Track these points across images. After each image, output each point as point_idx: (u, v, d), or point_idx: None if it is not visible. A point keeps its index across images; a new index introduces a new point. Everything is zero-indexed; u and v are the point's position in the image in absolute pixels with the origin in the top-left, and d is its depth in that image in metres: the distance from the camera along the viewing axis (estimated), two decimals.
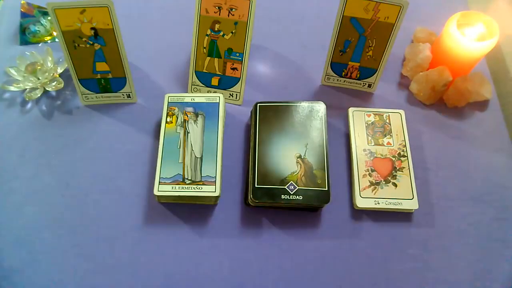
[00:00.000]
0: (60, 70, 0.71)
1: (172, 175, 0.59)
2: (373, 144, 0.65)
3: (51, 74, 0.70)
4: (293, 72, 0.75)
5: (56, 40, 0.76)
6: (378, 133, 0.66)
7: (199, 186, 0.59)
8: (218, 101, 0.65)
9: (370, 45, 0.66)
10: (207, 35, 0.66)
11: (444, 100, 0.72)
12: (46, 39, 0.77)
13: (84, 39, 0.62)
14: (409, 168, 0.63)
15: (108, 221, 0.60)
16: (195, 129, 0.63)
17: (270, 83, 0.74)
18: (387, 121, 0.67)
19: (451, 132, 0.69)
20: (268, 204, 0.59)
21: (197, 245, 0.59)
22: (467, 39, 0.66)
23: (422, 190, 0.63)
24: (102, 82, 0.67)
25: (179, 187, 0.58)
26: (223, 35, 0.66)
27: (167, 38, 0.77)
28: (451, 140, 0.69)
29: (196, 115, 0.64)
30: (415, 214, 0.62)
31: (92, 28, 0.61)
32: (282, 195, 0.58)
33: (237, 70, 0.68)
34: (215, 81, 0.70)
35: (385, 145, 0.65)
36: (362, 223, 0.61)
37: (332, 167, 0.62)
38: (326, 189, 0.58)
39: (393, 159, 0.64)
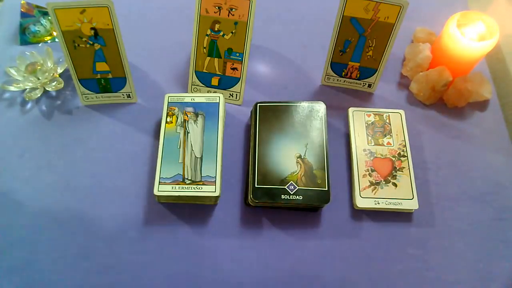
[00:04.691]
0: (60, 70, 0.71)
1: (172, 175, 0.59)
2: (373, 144, 0.65)
3: (51, 74, 0.70)
4: (293, 72, 0.75)
5: (56, 40, 0.76)
6: (378, 133, 0.66)
7: (199, 186, 0.59)
8: (218, 101, 0.65)
9: (370, 45, 0.66)
10: (207, 35, 0.66)
11: (444, 100, 0.72)
12: (46, 39, 0.77)
13: (84, 39, 0.62)
14: (409, 168, 0.63)
15: (108, 221, 0.60)
16: (195, 129, 0.63)
17: (270, 83, 0.74)
18: (387, 121, 0.67)
19: (451, 132, 0.69)
20: (268, 204, 0.59)
21: (197, 245, 0.59)
22: (467, 39, 0.66)
23: (422, 190, 0.63)
24: (102, 82, 0.67)
25: (179, 187, 0.58)
26: (223, 35, 0.66)
27: (167, 38, 0.77)
28: (451, 140, 0.69)
29: (196, 115, 0.64)
30: (415, 214, 0.62)
31: (92, 28, 0.61)
32: (282, 195, 0.58)
33: (237, 70, 0.68)
34: (215, 81, 0.70)
35: (385, 145, 0.65)
36: (362, 223, 0.61)
37: (332, 167, 0.62)
38: (326, 189, 0.58)
39: (393, 159, 0.64)
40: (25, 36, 0.76)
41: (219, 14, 0.64)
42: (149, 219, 0.61)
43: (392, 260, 0.59)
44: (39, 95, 0.69)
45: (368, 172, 0.63)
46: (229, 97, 0.71)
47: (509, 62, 0.77)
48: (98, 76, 0.66)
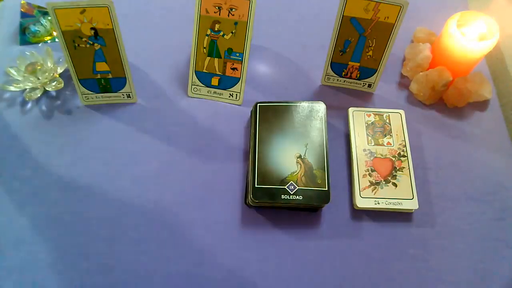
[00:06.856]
0: (60, 70, 0.71)
1: None
2: (373, 144, 0.65)
3: (51, 74, 0.70)
4: (293, 72, 0.75)
5: (56, 40, 0.76)
6: (378, 133, 0.66)
7: None
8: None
9: (370, 45, 0.66)
10: (207, 35, 0.66)
11: (444, 100, 0.72)
12: (46, 39, 0.77)
13: (84, 39, 0.62)
14: (409, 168, 0.63)
15: (108, 221, 0.60)
16: None
17: (270, 83, 0.74)
18: (387, 121, 0.67)
19: (451, 132, 0.69)
20: (268, 204, 0.59)
21: (197, 245, 0.59)
22: (467, 39, 0.66)
23: (422, 190, 0.63)
24: (102, 82, 0.67)
25: None
26: (223, 35, 0.66)
27: (167, 38, 0.77)
28: (451, 140, 0.69)
29: None
30: (415, 214, 0.62)
31: (92, 28, 0.61)
32: (282, 195, 0.58)
33: (237, 70, 0.68)
34: (215, 81, 0.70)
35: (385, 145, 0.65)
36: (362, 223, 0.61)
37: (332, 167, 0.62)
38: (326, 189, 0.58)
39: (393, 159, 0.64)
40: (25, 36, 0.76)
41: (219, 14, 0.64)
42: (149, 219, 0.61)
43: (392, 260, 0.59)
44: (39, 95, 0.69)
45: (368, 172, 0.63)
46: (229, 97, 0.71)
47: (509, 62, 0.77)
48: (98, 76, 0.66)
